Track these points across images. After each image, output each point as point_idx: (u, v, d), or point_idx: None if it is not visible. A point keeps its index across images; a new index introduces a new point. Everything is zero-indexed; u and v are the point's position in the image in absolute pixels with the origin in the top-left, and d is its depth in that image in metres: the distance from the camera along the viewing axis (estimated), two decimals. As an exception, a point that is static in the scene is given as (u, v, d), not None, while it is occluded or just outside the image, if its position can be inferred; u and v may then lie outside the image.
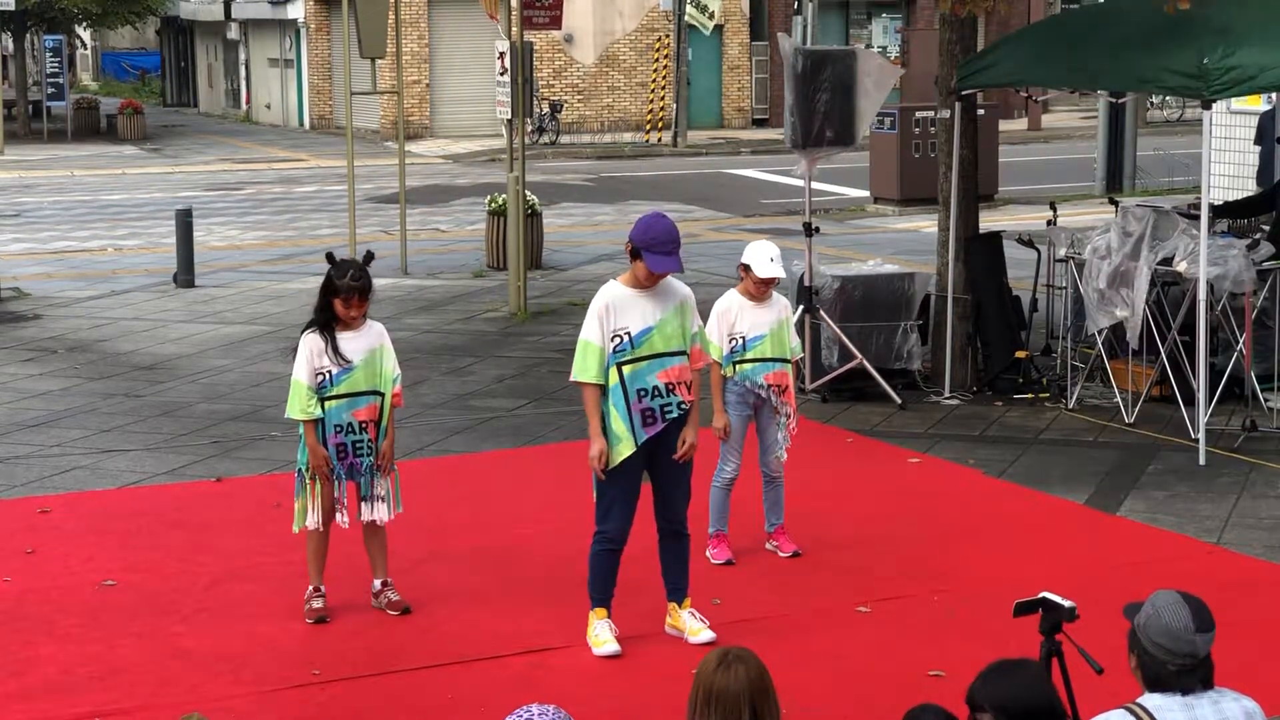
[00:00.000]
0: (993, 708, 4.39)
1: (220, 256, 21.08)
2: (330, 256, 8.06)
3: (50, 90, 42.43)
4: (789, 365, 8.93)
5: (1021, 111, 39.81)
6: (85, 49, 63.96)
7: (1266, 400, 11.76)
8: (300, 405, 7.93)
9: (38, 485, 10.56)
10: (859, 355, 12.48)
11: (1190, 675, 4.51)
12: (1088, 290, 11.85)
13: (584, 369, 7.51)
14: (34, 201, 28.21)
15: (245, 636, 7.85)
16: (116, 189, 30.23)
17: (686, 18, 36.09)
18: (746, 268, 8.74)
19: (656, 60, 40.48)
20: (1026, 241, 13.71)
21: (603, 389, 7.50)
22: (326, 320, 7.94)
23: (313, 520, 8.01)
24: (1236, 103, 15.87)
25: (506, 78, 16.78)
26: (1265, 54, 10.61)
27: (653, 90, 40.35)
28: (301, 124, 45.04)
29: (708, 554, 8.81)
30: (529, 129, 33.56)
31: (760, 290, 8.75)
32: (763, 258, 8.66)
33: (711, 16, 36.09)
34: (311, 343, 7.94)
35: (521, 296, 16.62)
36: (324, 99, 44.03)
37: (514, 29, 17.15)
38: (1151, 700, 4.50)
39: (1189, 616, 4.52)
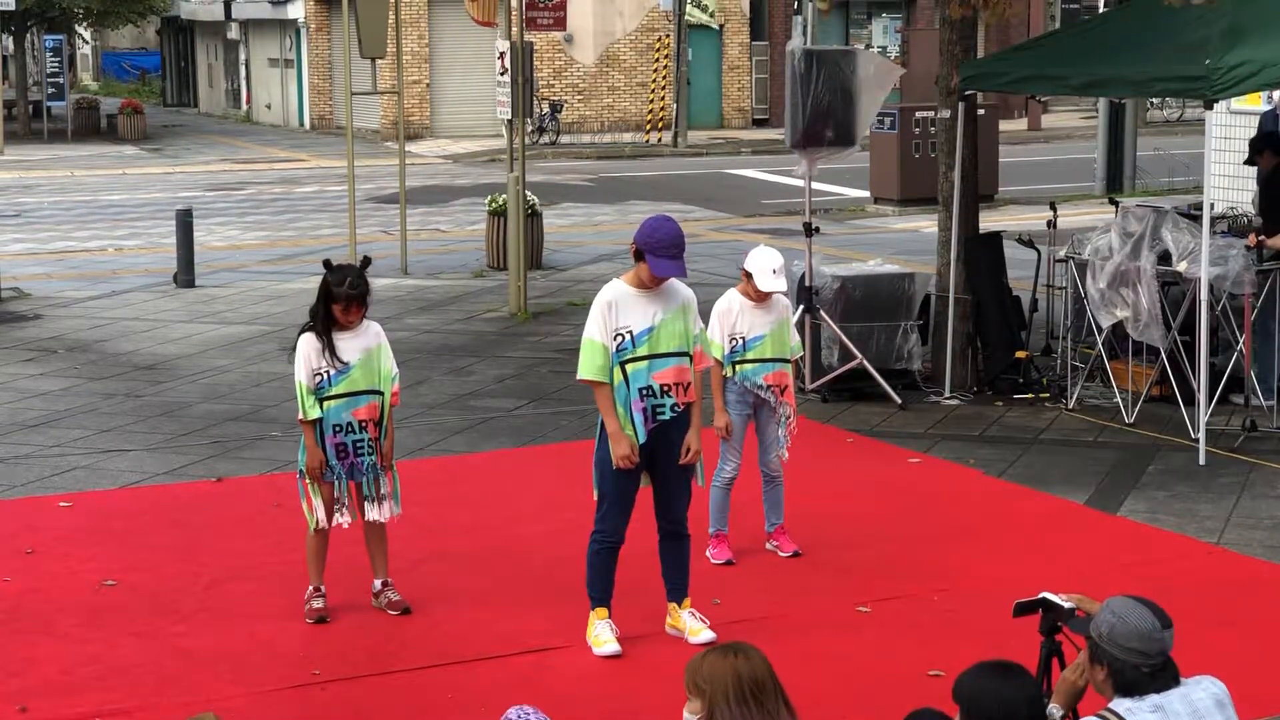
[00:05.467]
0: (961, 701, 4.40)
1: (220, 257, 21.08)
2: (328, 264, 8.06)
3: (50, 90, 42.47)
4: (789, 365, 8.93)
5: (1021, 112, 39.83)
6: (86, 46, 63.96)
7: (1266, 401, 11.76)
8: (304, 405, 7.92)
9: (38, 485, 10.56)
10: (859, 355, 12.48)
11: (1163, 673, 4.53)
12: (1090, 290, 11.85)
13: (591, 368, 7.51)
14: (34, 202, 28.22)
15: (245, 636, 7.85)
16: (117, 189, 30.24)
17: (687, 16, 36.10)
18: (749, 274, 8.72)
19: (656, 60, 40.49)
20: (1027, 242, 13.72)
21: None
22: (323, 322, 7.94)
23: (321, 518, 8.00)
24: (1237, 102, 15.87)
25: (506, 78, 16.78)
26: (1266, 51, 10.62)
27: (653, 90, 40.36)
28: (302, 124, 45.06)
29: (708, 554, 8.82)
30: (529, 129, 33.57)
31: (760, 295, 8.74)
32: (766, 269, 8.63)
33: (712, 14, 36.12)
34: (308, 344, 7.94)
35: (522, 297, 16.62)
36: (324, 99, 44.05)
37: (514, 29, 17.15)
38: (1121, 704, 4.51)
39: (1152, 616, 4.56)
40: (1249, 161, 13.01)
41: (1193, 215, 12.15)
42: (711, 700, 4.37)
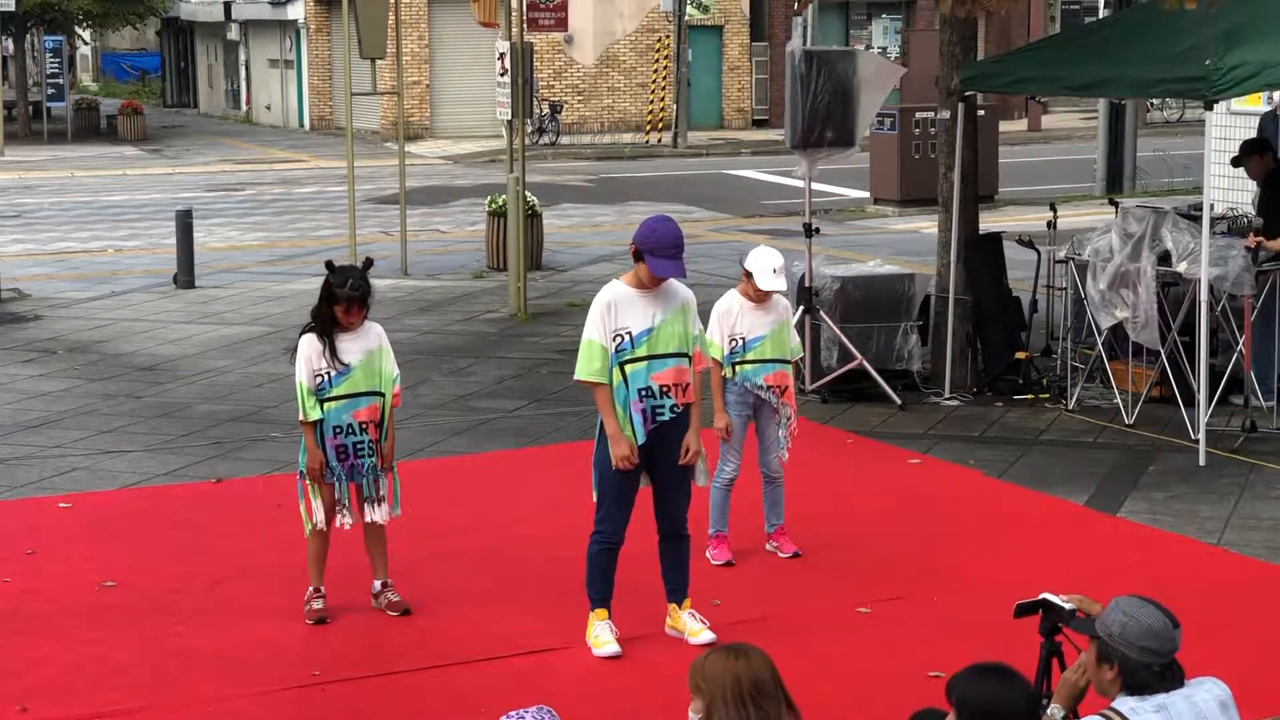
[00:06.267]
0: (957, 703, 4.41)
1: (220, 257, 21.09)
2: (330, 265, 8.06)
3: (50, 91, 42.46)
4: (789, 366, 8.93)
5: (1021, 112, 39.82)
6: (85, 46, 63.95)
7: (1266, 402, 11.76)
8: (304, 406, 7.93)
9: (38, 486, 10.56)
10: (859, 356, 12.48)
11: (1170, 673, 4.53)
12: (1090, 291, 11.85)
13: (588, 369, 7.51)
14: (34, 202, 28.22)
15: (245, 636, 7.85)
16: (117, 190, 30.24)
17: (686, 16, 36.13)
18: (749, 274, 8.72)
19: (656, 61, 40.49)
20: (1027, 242, 13.72)
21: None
22: (324, 323, 7.95)
23: (318, 520, 8.01)
24: (1237, 103, 15.87)
25: (506, 78, 16.79)
26: (1266, 51, 10.63)
27: (653, 91, 40.36)
28: (301, 125, 45.05)
29: (708, 555, 8.81)
30: (529, 130, 33.56)
31: (760, 295, 8.74)
32: (765, 268, 8.63)
33: (705, 9, 36.20)
34: (309, 345, 7.94)
35: (521, 297, 16.62)
36: (324, 99, 44.04)
37: (514, 29, 17.15)
38: (1125, 704, 4.51)
39: (1162, 614, 4.56)
40: (1235, 162, 13.01)
41: (1193, 216, 12.15)
42: (710, 701, 4.37)
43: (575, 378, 7.64)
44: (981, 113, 15.01)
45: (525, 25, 17.47)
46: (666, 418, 7.54)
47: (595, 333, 7.50)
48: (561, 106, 38.82)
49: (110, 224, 25.07)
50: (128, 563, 8.95)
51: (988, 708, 4.34)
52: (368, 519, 8.10)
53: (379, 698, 7.17)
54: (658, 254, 7.41)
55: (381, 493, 8.11)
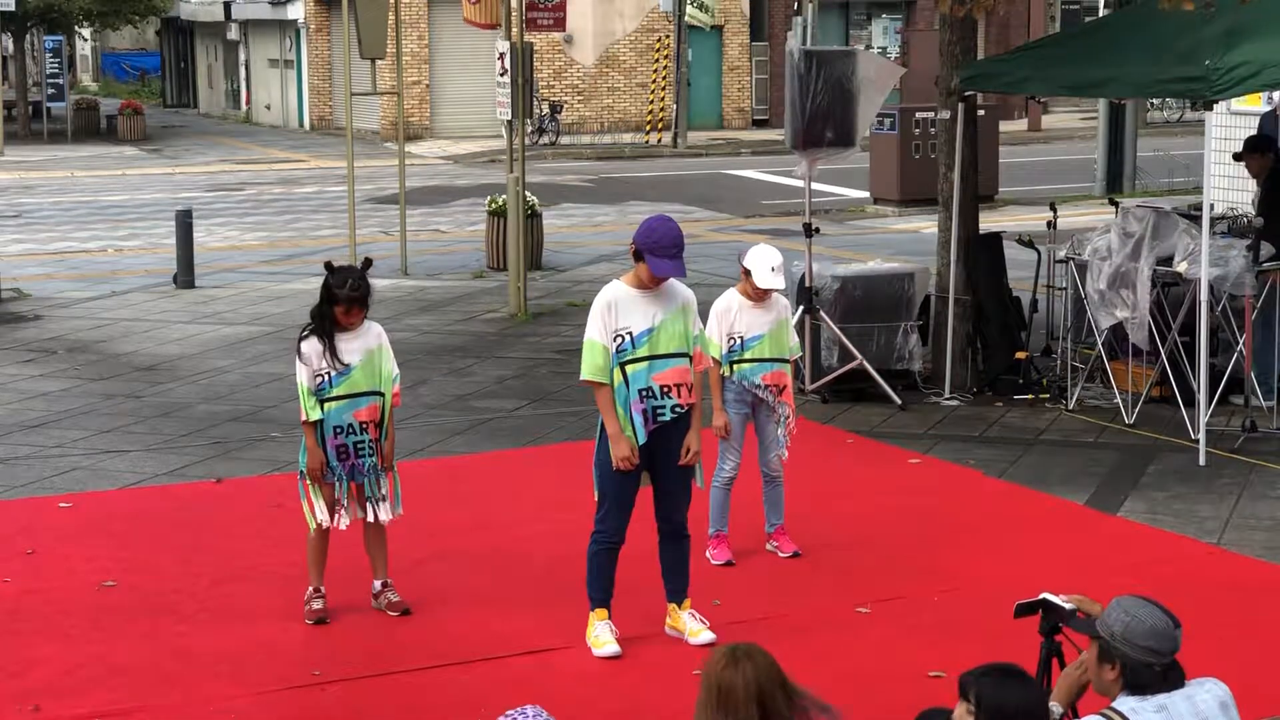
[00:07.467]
0: (976, 700, 4.41)
1: (220, 257, 21.09)
2: (329, 266, 8.06)
3: (50, 91, 42.49)
4: (787, 365, 8.93)
5: (1021, 112, 39.82)
6: (85, 46, 63.94)
7: (1266, 402, 11.75)
8: (306, 406, 7.93)
9: (38, 486, 10.56)
10: (859, 356, 12.48)
11: (1172, 671, 4.54)
12: (1090, 291, 11.86)
13: (592, 368, 7.51)
14: (34, 202, 28.22)
15: (245, 636, 7.85)
16: (116, 190, 30.24)
17: (687, 18, 36.14)
18: (748, 272, 8.73)
19: (656, 61, 40.49)
20: (1027, 242, 13.71)
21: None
22: (325, 324, 7.95)
23: (321, 519, 8.00)
24: (1237, 103, 15.88)
25: (506, 78, 16.79)
26: (1266, 51, 10.64)
27: (653, 91, 40.36)
28: (301, 125, 45.06)
29: (708, 555, 8.82)
30: (529, 130, 33.56)
31: (759, 294, 8.75)
32: (765, 266, 8.64)
33: (710, 13, 36.19)
34: (310, 345, 7.94)
35: (521, 297, 16.62)
36: (324, 99, 44.05)
37: (514, 29, 17.15)
38: (1126, 704, 4.51)
39: (1163, 614, 4.57)
40: (1237, 157, 13.05)
41: (1193, 216, 12.16)
42: (697, 704, 4.38)
43: (581, 378, 7.63)
44: (981, 113, 15.01)
45: (525, 25, 17.47)
46: (668, 418, 7.54)
47: (596, 333, 7.51)
48: (561, 106, 38.83)
49: (110, 224, 25.07)
50: (128, 563, 8.95)
51: (1011, 709, 4.34)
52: (368, 518, 8.11)
53: (379, 698, 7.17)
54: (658, 254, 7.41)
55: (382, 492, 8.12)
